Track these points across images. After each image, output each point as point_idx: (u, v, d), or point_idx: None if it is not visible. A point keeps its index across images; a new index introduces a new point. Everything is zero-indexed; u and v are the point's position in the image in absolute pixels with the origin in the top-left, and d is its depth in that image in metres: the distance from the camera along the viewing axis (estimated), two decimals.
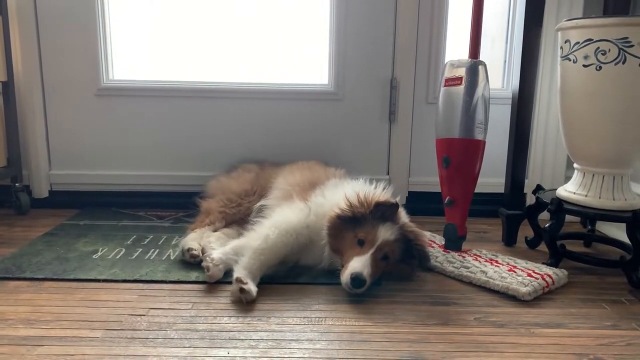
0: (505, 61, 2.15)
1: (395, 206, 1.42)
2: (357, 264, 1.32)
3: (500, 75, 2.16)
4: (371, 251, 1.35)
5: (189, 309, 1.26)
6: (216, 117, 2.07)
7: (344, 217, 1.42)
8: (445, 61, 2.00)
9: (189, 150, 2.09)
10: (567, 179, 2.03)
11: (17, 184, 1.98)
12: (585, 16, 1.80)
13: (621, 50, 1.34)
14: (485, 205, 2.01)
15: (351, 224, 1.41)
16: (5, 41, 1.89)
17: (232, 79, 2.06)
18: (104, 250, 1.62)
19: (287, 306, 1.29)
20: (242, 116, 2.07)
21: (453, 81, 1.57)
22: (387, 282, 1.44)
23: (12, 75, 1.93)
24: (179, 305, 1.28)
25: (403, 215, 1.48)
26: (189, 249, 1.51)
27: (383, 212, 1.41)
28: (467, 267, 1.47)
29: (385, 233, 1.38)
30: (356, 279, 1.29)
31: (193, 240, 1.57)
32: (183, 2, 2.05)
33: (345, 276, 1.32)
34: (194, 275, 1.44)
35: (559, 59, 1.53)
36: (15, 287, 1.35)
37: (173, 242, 1.70)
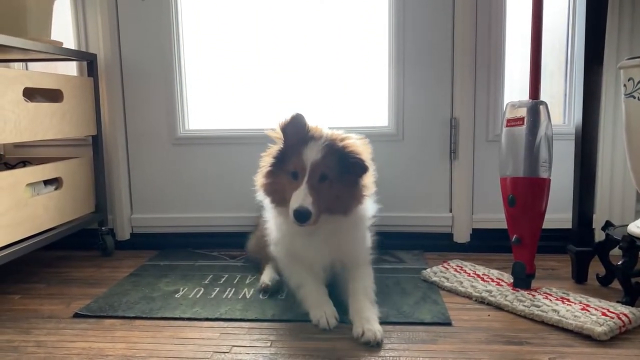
0: (565, 96, 2.15)
1: (298, 117, 1.41)
2: (295, 198, 1.35)
3: (561, 110, 2.16)
4: (305, 178, 1.37)
5: (269, 347, 1.33)
6: None
7: (271, 165, 1.47)
8: (505, 100, 2.08)
9: (253, 191, 2.20)
10: (638, 213, 2.00)
11: (103, 228, 2.16)
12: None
13: None
14: (553, 242, 1.99)
15: (282, 168, 1.45)
16: (96, 100, 2.11)
17: None
18: (184, 290, 1.73)
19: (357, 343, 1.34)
20: None
21: (515, 121, 1.61)
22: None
23: (101, 130, 2.14)
24: (258, 343, 1.35)
25: (326, 130, 1.47)
26: (262, 283, 1.69)
27: (295, 132, 1.42)
28: (538, 306, 1.47)
29: (311, 153, 1.39)
30: (298, 214, 1.33)
31: (266, 275, 1.72)
32: (249, 56, 2.21)
33: (290, 216, 1.36)
34: (270, 313, 1.52)
35: (622, 96, 1.54)
36: (110, 325, 1.48)
37: (247, 281, 1.79)
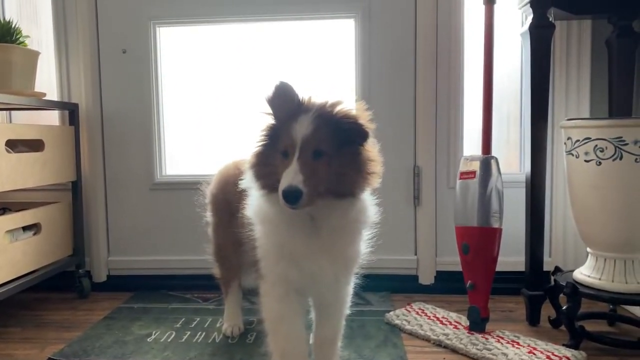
0: (521, 143, 2.29)
1: (282, 86, 1.20)
2: (285, 177, 1.12)
3: (517, 156, 2.30)
4: (295, 156, 1.14)
5: None
6: None
7: (261, 145, 1.24)
8: (464, 149, 2.22)
9: None
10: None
11: (80, 270, 2.22)
12: (582, 117, 1.97)
13: (617, 148, 1.49)
14: (513, 284, 2.09)
15: (273, 148, 1.21)
16: (76, 148, 2.20)
17: None
18: (156, 334, 1.80)
19: None
20: None
21: (468, 174, 1.74)
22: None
23: (80, 175, 2.23)
24: None
25: (315, 99, 1.23)
26: (230, 327, 1.79)
27: (283, 105, 1.21)
28: (490, 349, 1.57)
29: (300, 128, 1.16)
30: (287, 194, 1.10)
31: (231, 316, 1.82)
32: (222, 104, 2.33)
33: (279, 198, 1.12)
34: (238, 358, 1.59)
35: (564, 153, 1.68)
36: None
37: (217, 325, 1.86)
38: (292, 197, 1.10)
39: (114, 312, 2.02)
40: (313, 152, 1.15)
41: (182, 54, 2.33)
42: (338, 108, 1.19)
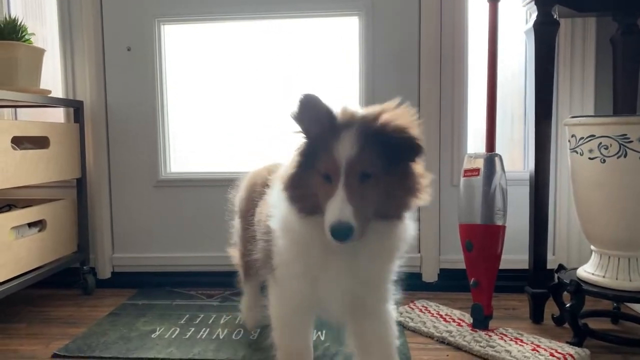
0: (525, 141, 2.29)
1: (309, 99, 1.06)
2: (332, 210, 1.01)
3: (521, 155, 2.30)
4: (341, 183, 1.02)
5: None
6: None
7: (298, 165, 1.11)
8: (468, 147, 2.22)
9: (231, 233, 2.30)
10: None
11: (84, 267, 2.23)
12: (586, 115, 1.96)
13: (622, 146, 1.49)
14: (517, 282, 2.08)
15: (312, 167, 1.08)
16: (81, 145, 2.21)
17: None
18: (161, 330, 1.80)
19: None
20: None
21: (472, 172, 1.74)
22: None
23: (85, 172, 2.24)
24: None
25: (359, 110, 1.11)
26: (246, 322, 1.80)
27: (314, 120, 1.07)
28: (493, 347, 1.57)
29: (343, 148, 1.03)
30: (336, 231, 0.99)
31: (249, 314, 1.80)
32: (228, 101, 2.34)
33: (326, 232, 1.01)
34: (241, 354, 1.60)
35: (568, 150, 1.68)
36: None
37: (222, 321, 1.87)
38: (342, 234, 0.99)
39: (118, 308, 2.03)
40: (360, 175, 1.02)
41: (187, 51, 2.34)
42: (384, 119, 1.04)
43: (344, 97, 2.28)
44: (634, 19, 1.89)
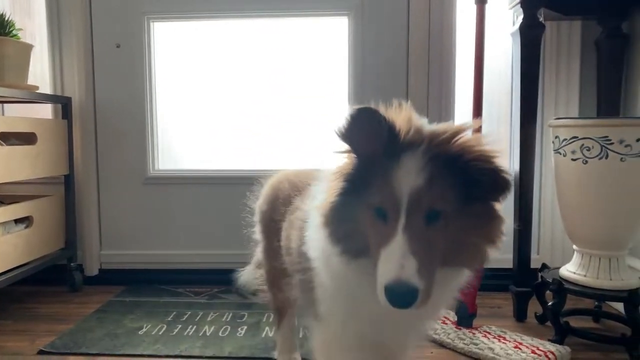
0: (510, 142, 2.31)
1: (363, 115, 0.80)
2: (386, 265, 0.76)
3: (507, 155, 2.33)
4: (401, 224, 0.77)
5: None
6: (242, 201, 2.28)
7: (341, 194, 0.85)
8: None
9: (221, 230, 2.31)
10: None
11: (72, 264, 2.23)
12: (570, 116, 1.99)
13: (603, 147, 1.51)
14: (502, 280, 2.11)
15: (359, 198, 0.83)
16: (69, 141, 2.21)
17: (257, 167, 2.29)
18: (148, 327, 1.81)
19: None
20: None
21: None
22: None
23: (73, 169, 2.23)
24: None
25: (426, 125, 0.85)
26: None
27: (370, 137, 0.81)
28: (476, 344, 1.60)
29: (406, 176, 0.79)
30: (394, 294, 0.74)
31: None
32: (218, 99, 2.34)
33: (379, 294, 0.77)
34: (227, 350, 1.61)
35: (552, 151, 1.71)
36: None
37: (209, 319, 1.88)
38: (403, 299, 0.74)
39: (105, 305, 2.03)
40: (427, 214, 0.78)
41: (177, 48, 2.34)
42: (463, 141, 0.80)
43: (333, 95, 2.30)
44: (618, 22, 1.93)
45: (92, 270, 2.33)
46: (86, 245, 2.32)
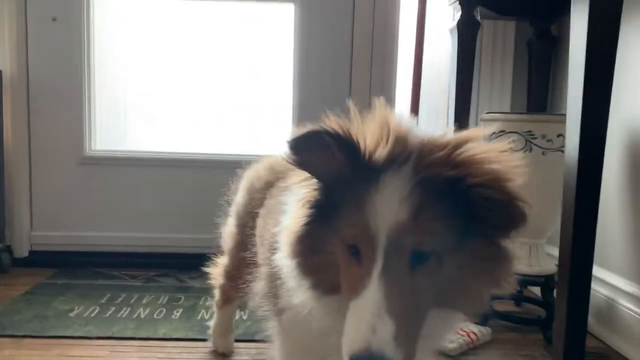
0: None
1: (311, 137, 0.64)
2: (355, 325, 0.60)
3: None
4: (378, 268, 0.60)
5: None
6: (181, 185, 2.27)
7: (308, 222, 0.70)
8: None
9: (159, 214, 2.28)
10: None
11: None
12: (500, 111, 2.10)
13: (527, 141, 1.61)
14: None
15: (325, 227, 0.68)
16: None
17: (199, 150, 2.29)
18: (79, 309, 1.77)
19: None
20: (206, 184, 2.26)
21: None
22: None
23: (2, 145, 2.13)
24: None
25: (410, 131, 0.68)
26: None
27: (331, 158, 0.65)
28: None
29: (387, 206, 0.61)
30: None
31: None
32: (160, 80, 2.30)
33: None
34: (161, 332, 1.60)
35: None
36: None
37: (144, 301, 1.86)
38: None
39: (35, 287, 1.97)
40: (412, 256, 0.61)
41: (121, 26, 2.28)
42: (464, 158, 0.62)
43: (279, 82, 2.31)
44: (548, 24, 2.04)
45: (22, 251, 2.24)
46: (16, 226, 2.23)
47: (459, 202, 0.61)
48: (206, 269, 1.46)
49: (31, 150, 2.24)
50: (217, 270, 1.40)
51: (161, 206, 2.28)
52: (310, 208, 0.70)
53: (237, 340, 1.53)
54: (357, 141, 0.64)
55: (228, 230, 1.34)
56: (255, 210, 1.12)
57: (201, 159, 2.27)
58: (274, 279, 0.84)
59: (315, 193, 0.70)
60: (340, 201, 0.65)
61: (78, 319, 1.69)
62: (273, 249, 0.83)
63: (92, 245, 2.28)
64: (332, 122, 0.65)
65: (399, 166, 0.63)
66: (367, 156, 0.64)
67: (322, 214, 0.69)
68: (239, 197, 1.29)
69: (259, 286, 0.97)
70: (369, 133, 0.65)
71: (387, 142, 0.63)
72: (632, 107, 1.56)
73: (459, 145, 0.64)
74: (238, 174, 1.34)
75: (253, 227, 1.11)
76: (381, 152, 0.63)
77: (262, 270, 0.95)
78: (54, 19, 2.19)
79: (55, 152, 2.25)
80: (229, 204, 1.38)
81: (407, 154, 0.64)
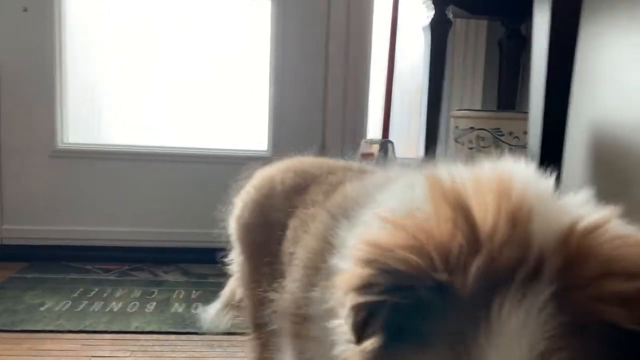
0: (419, 131, 2.46)
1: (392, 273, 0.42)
2: None
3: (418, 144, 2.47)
4: None
5: (128, 357, 1.42)
6: (154, 179, 2.26)
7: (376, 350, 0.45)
8: (368, 132, 2.34)
9: (132, 207, 2.27)
10: None
11: None
12: (469, 108, 2.16)
13: (495, 138, 1.66)
14: None
15: (404, 343, 0.44)
16: None
17: (173, 144, 2.29)
18: (50, 303, 1.76)
19: None
20: (180, 178, 2.28)
21: (367, 156, 1.86)
22: None
23: None
24: (118, 353, 1.44)
25: (547, 210, 0.46)
26: None
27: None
28: None
29: (503, 347, 0.38)
30: None
31: None
32: (135, 72, 2.29)
33: None
34: (134, 325, 1.61)
35: (452, 140, 1.85)
36: None
37: (117, 295, 1.86)
38: None
39: (4, 282, 1.94)
40: None
41: (96, 17, 2.25)
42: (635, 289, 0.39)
43: (255, 78, 2.32)
44: (518, 24, 2.09)
45: None
46: None
47: (606, 335, 0.39)
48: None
49: (1, 143, 2.20)
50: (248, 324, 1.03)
51: (135, 200, 2.27)
52: (377, 329, 0.44)
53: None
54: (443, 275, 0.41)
55: (238, 264, 1.03)
56: (281, 229, 0.86)
57: (175, 153, 2.27)
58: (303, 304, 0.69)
59: (381, 310, 0.43)
60: (427, 330, 0.42)
61: (49, 313, 1.68)
62: (311, 275, 0.68)
63: (64, 239, 2.25)
64: (392, 251, 0.42)
65: (523, 283, 0.39)
66: (467, 276, 0.40)
67: (395, 332, 0.44)
68: (244, 217, 0.98)
69: (281, 303, 0.78)
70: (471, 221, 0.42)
71: (501, 238, 0.40)
72: (594, 105, 1.62)
73: (614, 250, 0.41)
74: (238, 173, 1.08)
75: (277, 254, 0.85)
76: (489, 263, 0.39)
77: (289, 289, 0.76)
78: (25, 9, 2.15)
79: (26, 145, 2.21)
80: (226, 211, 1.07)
81: (534, 258, 0.40)
